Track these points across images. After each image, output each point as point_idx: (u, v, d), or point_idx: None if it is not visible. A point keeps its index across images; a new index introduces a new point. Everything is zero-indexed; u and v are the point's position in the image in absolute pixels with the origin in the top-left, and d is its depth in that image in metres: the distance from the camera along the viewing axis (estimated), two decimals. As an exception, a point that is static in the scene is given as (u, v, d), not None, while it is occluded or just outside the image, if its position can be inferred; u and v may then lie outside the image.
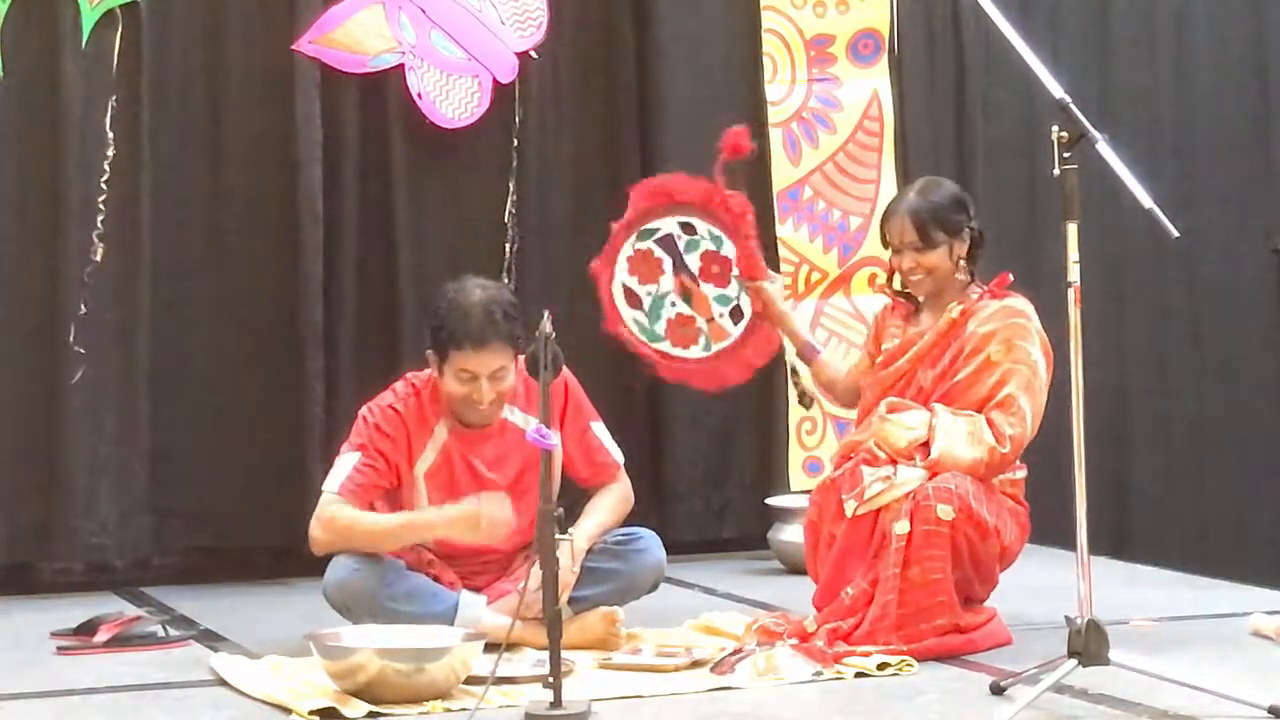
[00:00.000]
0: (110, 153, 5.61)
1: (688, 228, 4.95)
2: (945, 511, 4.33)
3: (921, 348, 4.62)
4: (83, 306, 5.57)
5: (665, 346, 4.97)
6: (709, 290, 4.95)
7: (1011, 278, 4.69)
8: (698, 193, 4.93)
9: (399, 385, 4.63)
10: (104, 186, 5.61)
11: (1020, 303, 4.62)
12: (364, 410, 4.60)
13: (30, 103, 5.60)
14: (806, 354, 4.98)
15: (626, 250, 4.95)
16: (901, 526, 4.35)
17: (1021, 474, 4.59)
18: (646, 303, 4.96)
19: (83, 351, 5.56)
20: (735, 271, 4.93)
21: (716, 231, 4.93)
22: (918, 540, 4.33)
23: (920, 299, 4.72)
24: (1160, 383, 6.98)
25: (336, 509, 4.45)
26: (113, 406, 5.64)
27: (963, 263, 4.63)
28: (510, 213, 6.06)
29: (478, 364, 4.43)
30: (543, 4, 6.06)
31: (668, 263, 4.95)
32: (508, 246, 6.03)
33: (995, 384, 4.50)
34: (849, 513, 4.44)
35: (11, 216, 5.60)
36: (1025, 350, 4.52)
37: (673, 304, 4.96)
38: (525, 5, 6.05)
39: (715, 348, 4.96)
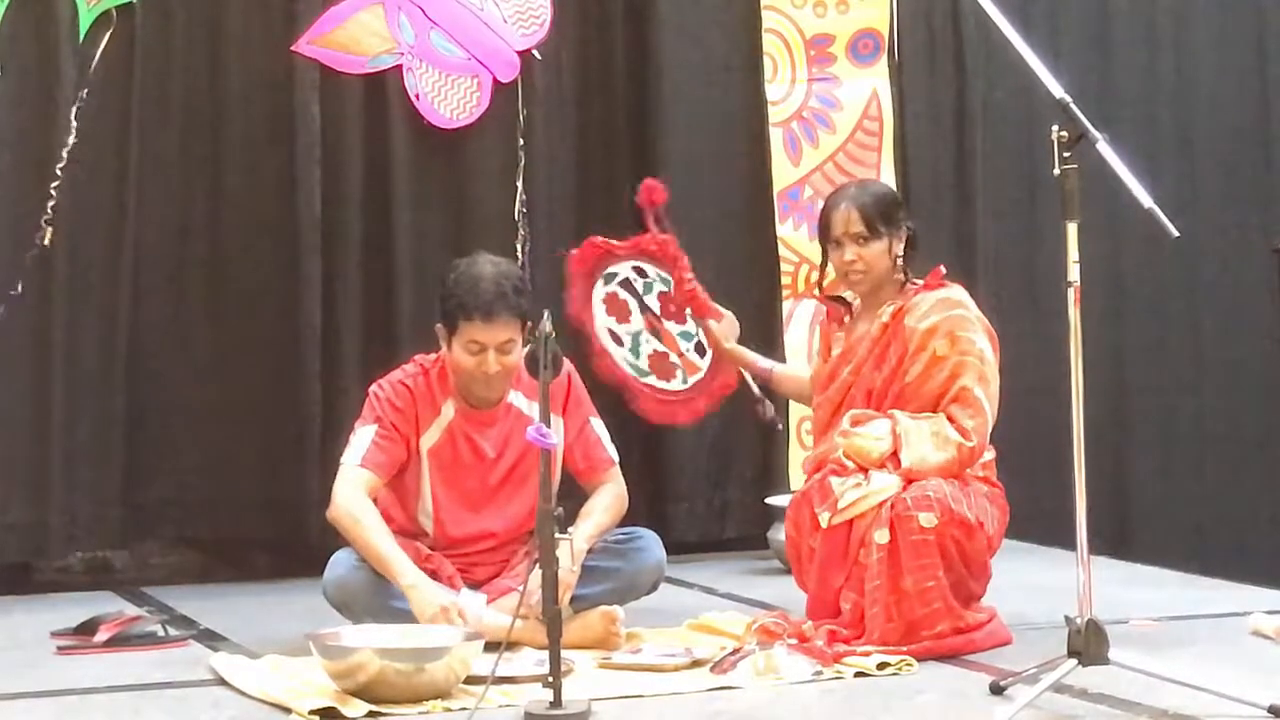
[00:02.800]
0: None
1: (640, 271, 5.05)
2: (928, 519, 4.32)
3: (859, 358, 4.63)
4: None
5: (653, 380, 5.06)
6: (672, 328, 5.05)
7: (944, 270, 4.69)
8: (630, 244, 5.04)
9: (408, 365, 4.69)
10: (63, 182, 5.60)
11: (956, 292, 4.61)
12: (374, 387, 4.64)
13: (27, 102, 5.60)
14: (763, 376, 5.04)
15: (599, 293, 5.05)
16: (882, 535, 4.34)
17: (990, 455, 4.58)
18: (627, 341, 5.06)
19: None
20: (689, 310, 5.03)
21: (664, 274, 5.04)
22: (905, 551, 4.32)
23: (854, 303, 4.73)
24: (1160, 382, 6.98)
25: (359, 498, 4.47)
26: (112, 407, 5.63)
27: (899, 261, 4.63)
28: (521, 212, 6.06)
29: (486, 335, 4.47)
30: (546, 1, 6.06)
31: (633, 303, 5.06)
32: (519, 246, 6.03)
33: (947, 379, 4.49)
34: (824, 524, 4.44)
35: (7, 215, 5.58)
36: (970, 340, 4.52)
37: (648, 341, 5.06)
38: (528, 3, 6.04)
39: (691, 380, 5.06)
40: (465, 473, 4.62)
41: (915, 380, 4.53)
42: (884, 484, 4.41)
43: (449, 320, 4.53)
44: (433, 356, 4.66)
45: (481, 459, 4.62)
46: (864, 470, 4.46)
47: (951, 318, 4.53)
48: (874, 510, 4.38)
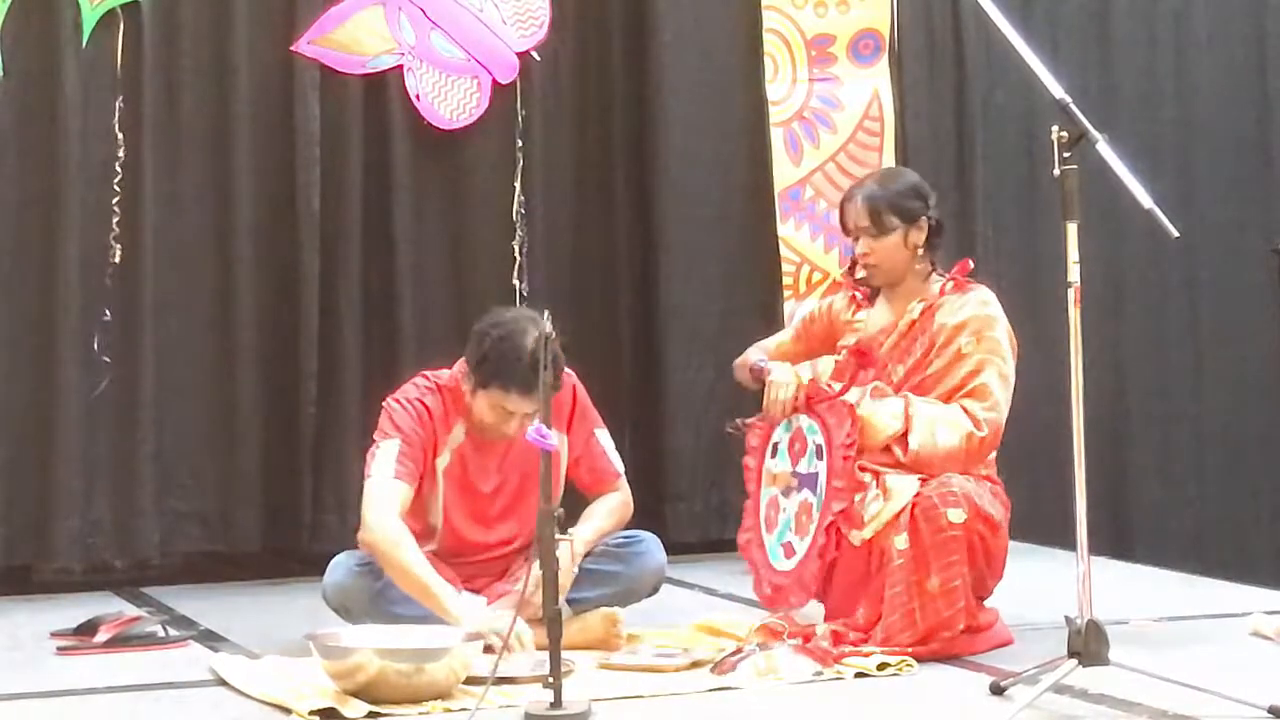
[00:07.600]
0: (120, 153, 5.61)
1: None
2: (957, 515, 4.30)
3: (885, 352, 4.62)
4: (106, 314, 5.58)
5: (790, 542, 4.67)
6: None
7: (972, 264, 4.69)
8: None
9: (420, 381, 4.62)
10: (117, 188, 5.60)
11: (985, 293, 4.62)
12: (391, 404, 4.57)
13: (30, 103, 5.59)
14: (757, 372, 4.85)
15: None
16: (902, 541, 4.32)
17: (991, 453, 4.58)
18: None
19: (108, 360, 5.56)
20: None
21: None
22: (932, 549, 4.29)
23: (877, 289, 4.72)
24: (1160, 382, 6.99)
25: (395, 524, 4.36)
26: (111, 407, 5.63)
27: (920, 251, 4.63)
28: (519, 213, 6.06)
29: (516, 406, 4.43)
30: (545, 3, 6.06)
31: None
32: (517, 247, 6.02)
33: (968, 374, 4.51)
34: (856, 542, 4.41)
35: (10, 217, 5.59)
36: (996, 340, 4.54)
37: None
38: (527, 4, 6.05)
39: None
40: (475, 490, 4.60)
41: (937, 373, 4.54)
42: (900, 487, 4.40)
43: (481, 378, 4.46)
44: (445, 374, 4.61)
45: (489, 477, 4.61)
46: (877, 475, 4.45)
47: (980, 317, 4.55)
48: (896, 517, 4.36)
